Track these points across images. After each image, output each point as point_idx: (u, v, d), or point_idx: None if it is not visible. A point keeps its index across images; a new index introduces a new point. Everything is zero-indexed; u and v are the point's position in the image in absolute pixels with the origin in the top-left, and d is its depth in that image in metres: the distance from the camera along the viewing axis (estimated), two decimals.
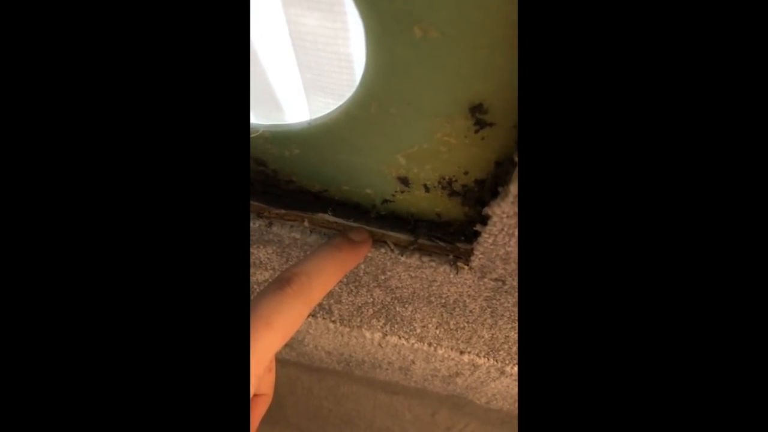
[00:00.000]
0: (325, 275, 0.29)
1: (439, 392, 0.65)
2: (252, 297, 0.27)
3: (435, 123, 0.27)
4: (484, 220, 0.30)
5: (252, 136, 0.32)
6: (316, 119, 0.30)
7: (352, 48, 0.25)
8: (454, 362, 0.51)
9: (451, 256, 0.37)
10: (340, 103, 0.28)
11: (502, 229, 0.29)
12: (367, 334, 0.49)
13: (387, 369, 0.60)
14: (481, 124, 0.26)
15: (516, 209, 0.27)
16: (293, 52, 0.26)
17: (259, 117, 0.35)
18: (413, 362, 0.54)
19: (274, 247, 0.41)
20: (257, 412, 0.32)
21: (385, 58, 0.23)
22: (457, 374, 0.54)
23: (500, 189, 0.27)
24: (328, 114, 0.29)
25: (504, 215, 0.27)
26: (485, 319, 0.43)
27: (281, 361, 0.75)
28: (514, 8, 0.20)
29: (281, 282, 0.27)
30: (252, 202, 0.38)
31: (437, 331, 0.47)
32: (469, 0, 0.20)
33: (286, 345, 0.62)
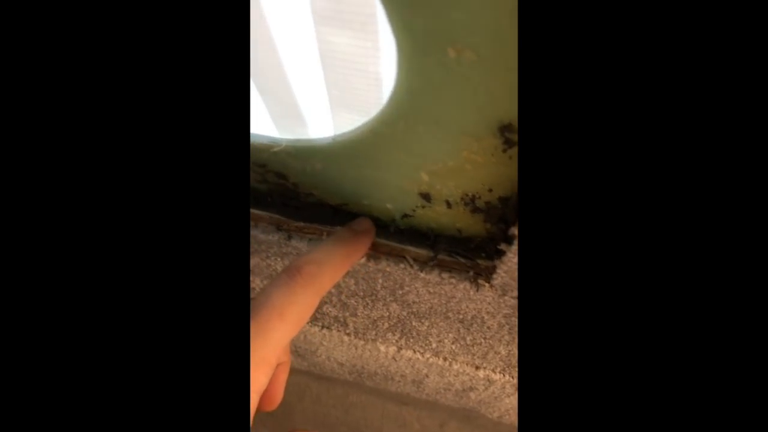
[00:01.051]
0: (334, 264, 0.29)
1: (451, 405, 0.65)
2: (261, 289, 0.27)
3: (462, 141, 0.27)
4: (510, 239, 0.29)
5: (274, 150, 0.32)
6: (340, 135, 0.30)
7: (381, 67, 0.24)
8: (468, 377, 0.50)
9: (471, 273, 0.36)
10: (366, 120, 0.27)
11: None
12: (382, 348, 0.49)
13: (399, 381, 0.59)
14: (509, 144, 0.26)
15: None
16: (322, 69, 0.26)
17: (282, 131, 0.35)
18: (427, 376, 0.54)
19: (293, 260, 0.41)
20: (280, 380, 0.31)
21: (416, 78, 0.23)
22: (471, 389, 0.53)
23: None
24: (353, 131, 0.29)
25: None
26: (503, 336, 0.42)
27: (291, 369, 0.75)
28: None
29: (291, 272, 0.27)
30: (271, 215, 0.38)
31: (453, 346, 0.46)
32: (505, 22, 0.20)
33: (298, 355, 0.62)
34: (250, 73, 0.38)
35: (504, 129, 0.25)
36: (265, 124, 0.39)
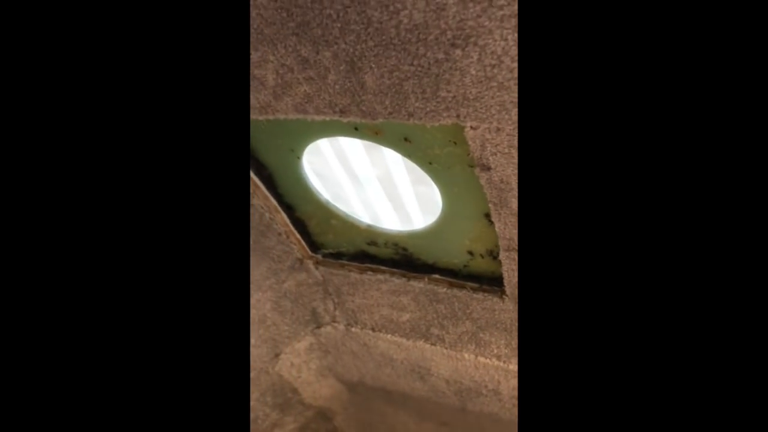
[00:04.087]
0: None
1: None
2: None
3: (473, 222, 0.65)
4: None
5: (401, 235, 0.73)
6: (427, 227, 0.70)
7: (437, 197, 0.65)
8: None
9: (498, 291, 0.71)
10: (435, 219, 0.67)
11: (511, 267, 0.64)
12: (466, 356, 0.82)
13: (486, 396, 0.89)
14: (491, 222, 0.63)
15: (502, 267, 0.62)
16: (416, 201, 0.67)
17: (403, 226, 0.77)
18: (499, 382, 0.83)
19: (411, 296, 0.79)
20: None
21: (449, 204, 0.63)
22: None
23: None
24: (432, 224, 0.69)
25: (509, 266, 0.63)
26: None
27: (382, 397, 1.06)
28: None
29: None
30: (399, 271, 0.78)
31: (506, 350, 0.77)
32: (470, 177, 0.59)
33: (420, 378, 0.95)
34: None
35: (486, 215, 0.63)
36: (394, 222, 0.81)
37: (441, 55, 0.38)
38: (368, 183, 0.74)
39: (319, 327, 0.93)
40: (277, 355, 0.94)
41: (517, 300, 0.69)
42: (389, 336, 0.86)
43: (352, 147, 0.69)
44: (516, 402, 0.85)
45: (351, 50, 0.40)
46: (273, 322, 0.90)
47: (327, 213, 0.76)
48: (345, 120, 0.49)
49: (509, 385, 0.82)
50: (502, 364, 0.79)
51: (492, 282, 0.71)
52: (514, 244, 0.59)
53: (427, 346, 0.85)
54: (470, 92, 0.40)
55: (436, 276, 0.75)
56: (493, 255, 0.68)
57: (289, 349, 0.94)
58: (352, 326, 0.89)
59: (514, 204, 0.53)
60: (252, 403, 0.94)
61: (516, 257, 0.61)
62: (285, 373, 0.96)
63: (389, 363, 0.91)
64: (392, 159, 0.67)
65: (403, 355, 0.89)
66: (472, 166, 0.54)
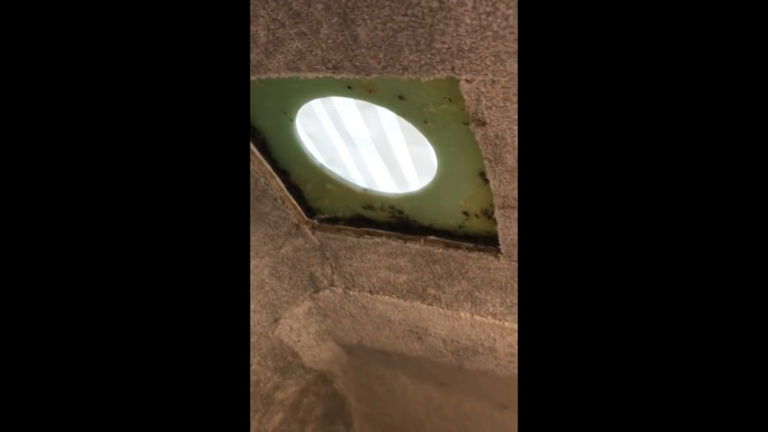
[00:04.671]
0: None
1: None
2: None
3: (469, 182, 0.65)
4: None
5: (397, 197, 0.74)
6: (423, 188, 0.70)
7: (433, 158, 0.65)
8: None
9: (493, 250, 0.72)
10: (431, 179, 0.68)
11: (508, 225, 0.64)
12: (462, 315, 0.84)
13: (483, 354, 0.91)
14: (485, 180, 0.64)
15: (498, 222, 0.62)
16: (412, 162, 0.67)
17: (399, 188, 0.77)
18: (495, 340, 0.85)
19: (408, 258, 0.80)
20: None
21: (445, 163, 0.63)
22: None
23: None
24: (428, 185, 0.69)
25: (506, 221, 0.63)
26: None
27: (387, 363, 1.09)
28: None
29: None
30: (396, 233, 0.79)
31: (501, 308, 0.79)
32: (467, 141, 0.59)
33: (418, 338, 0.97)
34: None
35: (481, 174, 0.63)
36: (390, 185, 0.82)
37: (435, 4, 0.37)
38: (363, 145, 0.74)
39: (317, 291, 0.94)
40: (276, 320, 0.95)
41: (511, 258, 0.70)
42: (387, 298, 0.87)
43: (346, 108, 0.68)
44: (511, 359, 0.88)
45: (343, 1, 0.40)
46: (271, 287, 0.91)
47: (322, 177, 0.76)
48: (338, 77, 0.49)
49: (505, 342, 0.85)
50: (497, 321, 0.81)
51: (487, 241, 0.72)
52: (510, 201, 0.60)
53: (424, 306, 0.86)
54: (465, 43, 0.39)
55: (432, 237, 0.76)
56: (488, 214, 0.69)
57: (288, 314, 0.95)
58: (350, 289, 0.90)
59: (509, 160, 0.54)
60: (253, 367, 0.96)
61: (511, 215, 0.62)
62: (285, 338, 0.98)
63: (387, 325, 0.92)
64: (387, 119, 0.66)
65: (401, 317, 0.90)
66: (467, 123, 0.54)
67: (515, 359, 0.87)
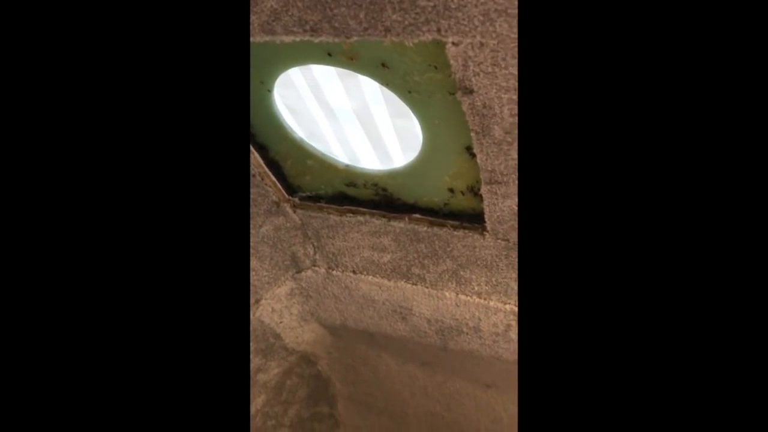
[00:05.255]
0: None
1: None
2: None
3: (455, 157, 0.63)
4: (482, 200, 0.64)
5: (380, 174, 0.71)
6: (408, 164, 0.68)
7: (418, 131, 0.62)
8: (503, 314, 0.80)
9: (479, 228, 0.70)
10: (416, 155, 0.65)
11: (495, 203, 0.63)
12: (447, 294, 0.82)
13: (467, 334, 0.90)
14: (472, 155, 0.62)
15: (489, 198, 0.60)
16: (396, 136, 0.64)
17: (382, 164, 0.74)
18: (479, 320, 0.84)
19: (391, 237, 0.78)
20: None
21: (431, 137, 0.61)
22: (509, 327, 0.83)
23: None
24: (413, 161, 0.66)
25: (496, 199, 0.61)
26: (511, 273, 0.73)
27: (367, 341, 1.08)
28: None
29: None
30: (379, 212, 0.76)
31: (486, 287, 0.78)
32: (455, 111, 0.57)
33: (402, 318, 0.95)
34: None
35: (467, 149, 0.61)
36: (373, 161, 0.79)
37: None
38: (345, 117, 0.71)
39: (299, 271, 0.92)
40: (257, 301, 0.93)
41: (497, 236, 0.68)
42: (370, 277, 0.85)
43: (327, 78, 0.65)
44: (496, 339, 0.87)
45: None
46: (252, 267, 0.88)
47: (303, 153, 0.73)
48: (317, 40, 0.46)
49: (489, 321, 0.84)
50: (482, 301, 0.80)
51: (472, 219, 0.70)
52: (496, 176, 0.58)
53: (408, 286, 0.85)
54: (452, 0, 0.37)
55: (417, 215, 0.74)
56: (474, 191, 0.67)
57: (269, 295, 0.93)
58: (332, 269, 0.88)
59: (497, 132, 0.51)
60: None
61: (498, 190, 0.60)
62: (266, 319, 0.96)
63: (371, 305, 0.91)
64: (369, 90, 0.63)
65: (385, 296, 0.89)
66: (453, 93, 0.51)
67: (499, 339, 0.86)
